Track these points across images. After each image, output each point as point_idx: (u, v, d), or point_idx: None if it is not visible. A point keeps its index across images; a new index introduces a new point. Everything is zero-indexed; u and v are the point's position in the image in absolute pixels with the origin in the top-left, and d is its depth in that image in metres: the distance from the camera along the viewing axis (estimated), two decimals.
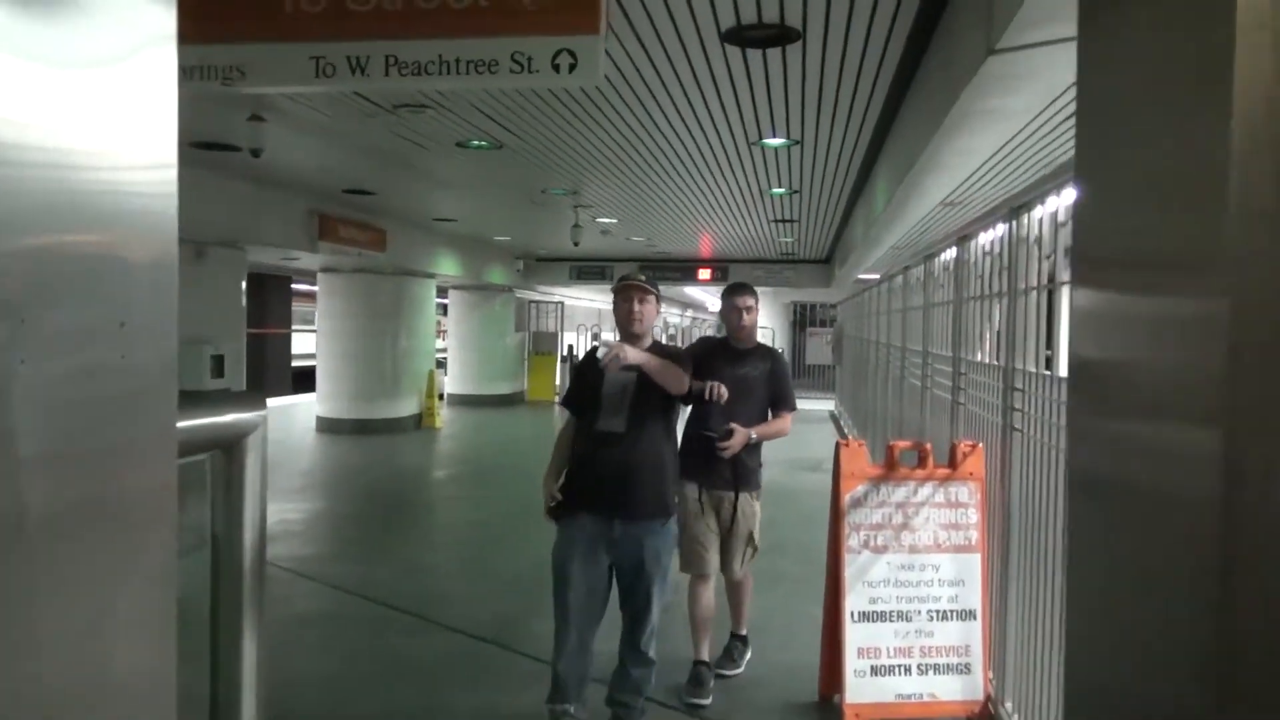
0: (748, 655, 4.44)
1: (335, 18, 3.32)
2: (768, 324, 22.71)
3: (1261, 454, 0.97)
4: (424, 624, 5.14)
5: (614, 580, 3.55)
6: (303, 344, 25.07)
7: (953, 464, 3.85)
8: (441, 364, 19.47)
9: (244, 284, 10.11)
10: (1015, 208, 3.60)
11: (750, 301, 4.28)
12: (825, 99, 5.66)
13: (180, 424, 1.53)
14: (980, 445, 3.87)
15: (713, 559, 4.14)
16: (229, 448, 2.15)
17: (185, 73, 3.47)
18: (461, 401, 18.59)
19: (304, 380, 21.78)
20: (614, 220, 12.15)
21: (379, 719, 4.01)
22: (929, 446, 3.87)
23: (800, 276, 17.71)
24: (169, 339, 1.27)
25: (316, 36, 3.35)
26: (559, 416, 17.55)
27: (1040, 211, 3.46)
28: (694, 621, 4.19)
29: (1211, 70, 1.02)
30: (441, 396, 17.47)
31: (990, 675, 3.80)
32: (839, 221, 11.77)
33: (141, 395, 1.18)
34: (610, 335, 29.19)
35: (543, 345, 20.69)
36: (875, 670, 3.76)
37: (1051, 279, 3.33)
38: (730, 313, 4.28)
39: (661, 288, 3.78)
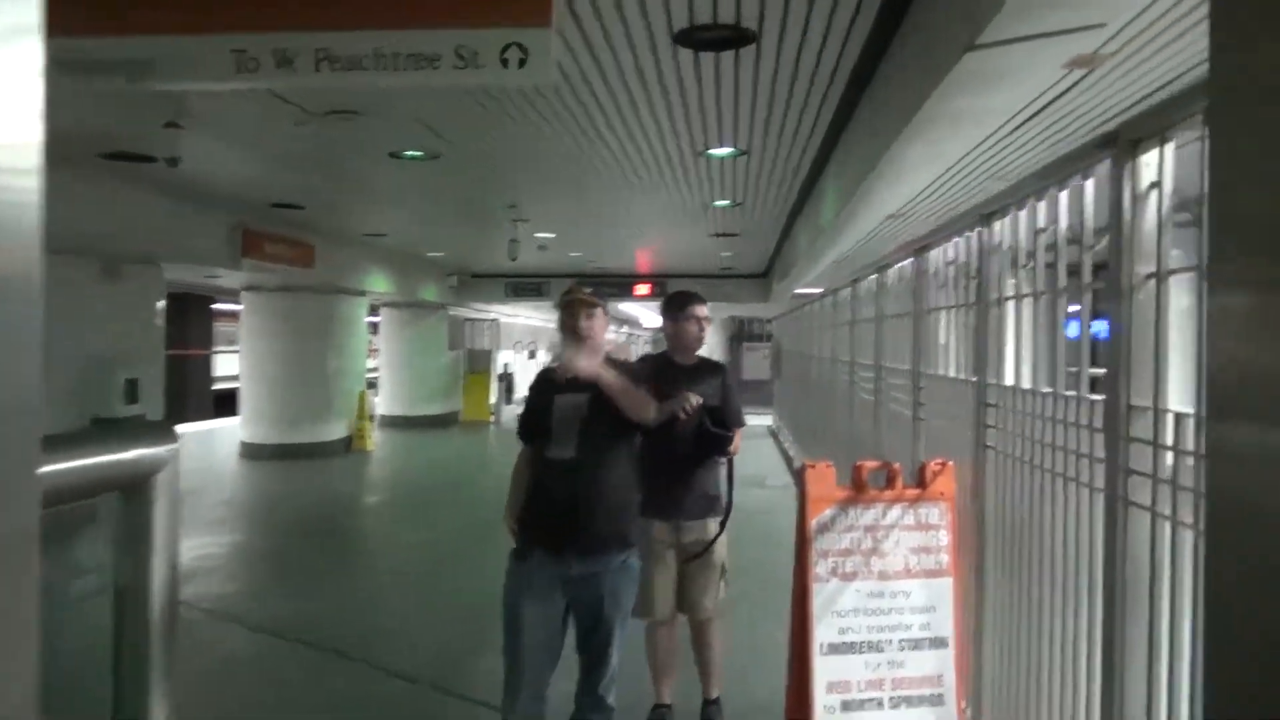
0: None
1: (258, 7, 3.03)
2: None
3: None
4: (361, 666, 4.78)
5: (570, 621, 3.27)
6: (226, 366, 24.18)
7: (922, 484, 3.68)
8: (373, 384, 18.91)
9: (162, 303, 9.58)
10: (985, 215, 3.45)
11: (706, 311, 4.03)
12: (776, 105, 5.50)
13: (74, 462, 1.45)
14: (950, 464, 3.70)
15: (672, 601, 3.89)
16: (133, 488, 1.84)
17: (88, 68, 3.13)
18: (394, 423, 18.05)
19: (227, 404, 20.98)
20: (553, 235, 11.89)
21: None
22: (898, 467, 3.68)
23: (739, 291, 17.65)
24: (30, 365, 0.97)
25: (237, 28, 3.04)
26: (494, 439, 17.22)
27: (1010, 219, 3.32)
28: (655, 668, 3.93)
29: None
30: (373, 418, 16.94)
31: (965, 705, 3.62)
32: (780, 235, 11.69)
33: None
34: (545, 353, 28.79)
35: (478, 364, 20.27)
36: (846, 705, 3.54)
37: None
38: (685, 323, 3.98)
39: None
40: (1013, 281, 3.35)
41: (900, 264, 5.14)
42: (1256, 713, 0.69)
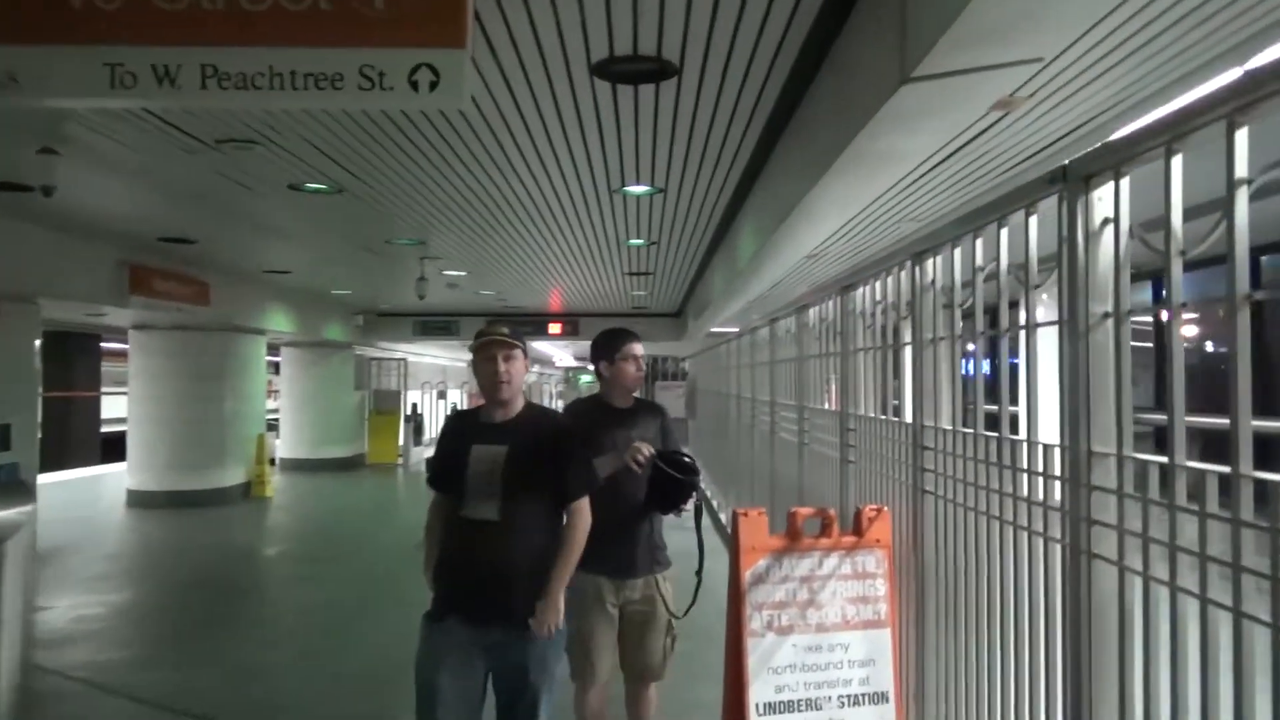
0: None
1: (137, 16, 2.73)
2: None
3: None
4: None
5: (489, 688, 2.99)
6: (116, 408, 22.90)
7: (858, 530, 3.53)
8: (274, 426, 18.11)
9: (38, 342, 8.90)
10: (917, 253, 3.35)
11: (642, 349, 3.81)
12: (695, 142, 5.39)
13: None
14: (886, 510, 3.56)
15: (610, 661, 3.63)
16: None
17: None
18: (296, 466, 17.30)
19: (117, 448, 19.85)
20: (463, 273, 11.58)
21: None
22: (833, 513, 3.53)
23: (652, 330, 17.55)
24: None
25: (111, 38, 2.73)
26: (402, 482, 16.59)
27: (942, 257, 3.23)
28: None
29: None
30: (273, 462, 16.18)
31: None
32: (695, 273, 11.63)
33: None
34: (460, 395, 27.94)
35: (385, 404, 19.63)
36: None
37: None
38: (623, 364, 3.71)
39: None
40: (944, 320, 3.26)
41: (823, 303, 5.04)
42: None
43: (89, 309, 10.29)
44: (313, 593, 7.58)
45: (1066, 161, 2.20)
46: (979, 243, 2.85)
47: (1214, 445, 1.85)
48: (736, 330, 10.81)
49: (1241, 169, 1.63)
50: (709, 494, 11.22)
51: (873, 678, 3.43)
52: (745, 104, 4.65)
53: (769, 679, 3.36)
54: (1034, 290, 2.48)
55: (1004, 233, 2.66)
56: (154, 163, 5.95)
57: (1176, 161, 1.83)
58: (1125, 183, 2.03)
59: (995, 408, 2.81)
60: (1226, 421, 1.60)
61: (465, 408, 3.69)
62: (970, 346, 3.06)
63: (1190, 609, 1.75)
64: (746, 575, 3.38)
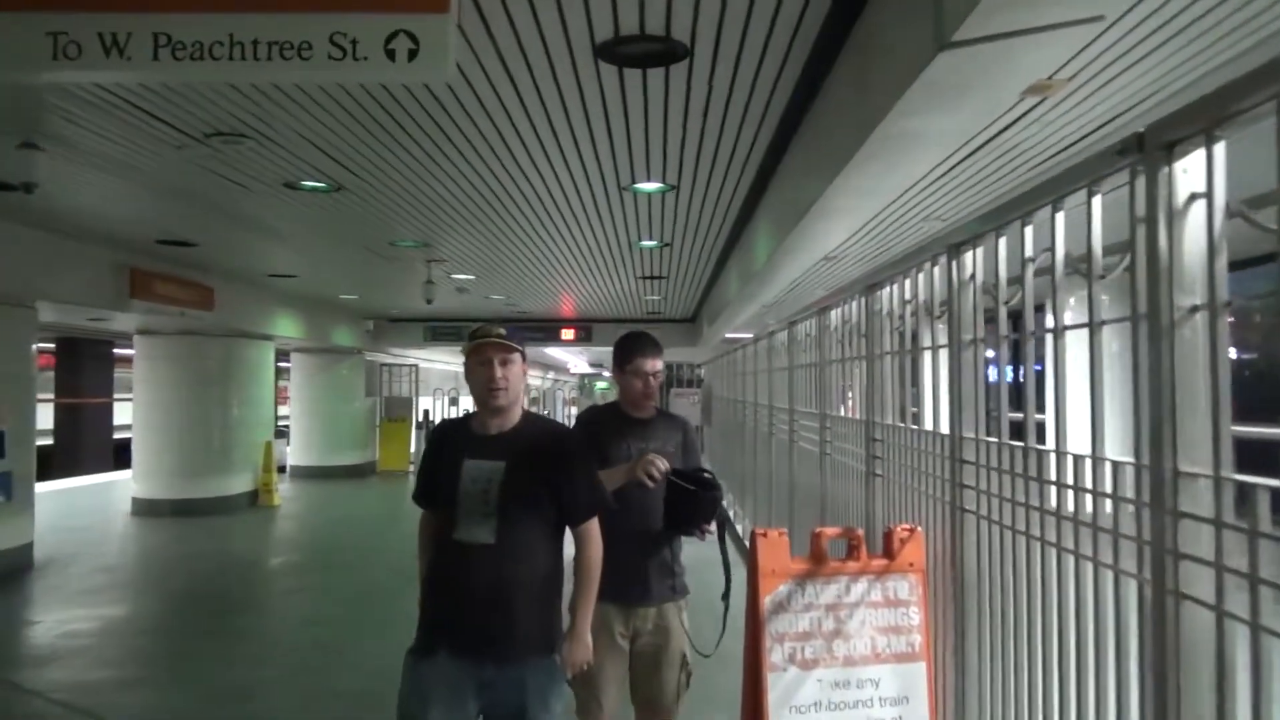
0: None
1: None
2: None
3: None
4: None
5: None
6: (128, 414, 22.79)
7: (889, 553, 3.19)
8: (284, 433, 17.89)
9: (33, 348, 8.67)
10: (954, 245, 3.02)
11: (659, 364, 3.38)
12: (708, 133, 5.07)
13: None
14: (919, 530, 3.23)
15: (618, 695, 3.29)
16: None
17: None
18: (306, 474, 17.06)
19: (129, 454, 19.70)
20: (471, 277, 11.30)
21: None
22: (860, 534, 3.20)
23: (667, 336, 17.14)
24: None
25: (55, 5, 2.44)
26: (411, 491, 16.06)
27: (983, 249, 2.90)
28: None
29: None
30: (283, 469, 15.95)
31: None
32: (709, 277, 11.31)
33: None
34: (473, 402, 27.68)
35: (395, 411, 19.38)
36: None
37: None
38: (634, 378, 3.37)
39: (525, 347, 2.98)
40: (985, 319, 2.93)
41: (845, 304, 4.71)
42: None
43: (90, 313, 10.07)
44: (311, 606, 7.29)
45: (1142, 129, 1.87)
46: (1029, 230, 2.52)
47: None
48: (751, 336, 10.49)
49: None
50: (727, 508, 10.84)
51: (906, 717, 3.10)
52: (761, 89, 4.32)
53: (791, 718, 3.03)
54: (1097, 282, 2.15)
55: (1059, 217, 2.34)
56: (143, 159, 5.68)
57: None
58: (1220, 149, 1.70)
59: (1029, 416, 2.49)
60: None
61: (454, 416, 3.30)
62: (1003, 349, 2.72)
63: None
64: (766, 602, 3.05)
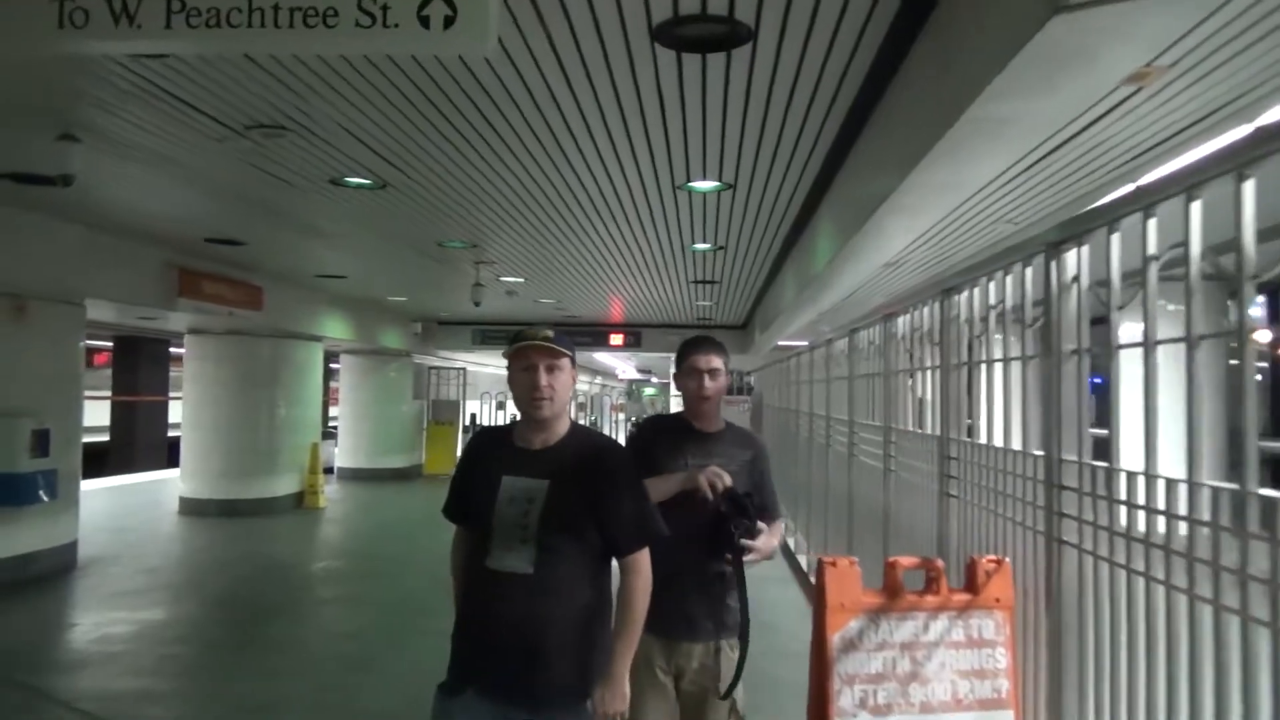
0: None
1: None
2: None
3: None
4: None
5: None
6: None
7: (972, 586, 2.85)
8: (333, 434, 17.89)
9: (81, 345, 8.63)
10: (1053, 244, 2.68)
11: (716, 361, 3.00)
12: (770, 125, 4.76)
13: None
14: (1006, 562, 2.88)
15: None
16: None
17: None
18: (353, 476, 17.03)
19: None
20: (520, 280, 11.10)
21: None
22: (940, 565, 2.86)
23: None
24: None
25: None
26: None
27: (1089, 247, 2.56)
28: None
29: None
30: (330, 470, 15.91)
31: None
32: (763, 282, 10.97)
33: None
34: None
35: (443, 414, 19.29)
36: None
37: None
38: (688, 378, 3.01)
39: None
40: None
41: (916, 310, 4.37)
42: None
43: (139, 312, 10.04)
44: (347, 617, 7.09)
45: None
46: (1152, 224, 2.18)
47: None
48: (804, 344, 10.12)
49: None
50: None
51: None
52: (831, 74, 4.00)
53: None
54: (1249, 282, 1.80)
55: (1195, 207, 2.00)
56: (183, 153, 5.54)
57: None
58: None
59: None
60: None
61: (494, 424, 2.90)
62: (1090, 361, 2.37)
63: None
64: (834, 640, 2.73)
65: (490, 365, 25.25)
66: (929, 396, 4.25)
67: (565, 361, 2.47)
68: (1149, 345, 2.19)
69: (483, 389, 23.72)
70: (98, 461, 22.11)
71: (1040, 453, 2.77)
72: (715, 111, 4.55)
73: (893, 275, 9.26)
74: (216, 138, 5.13)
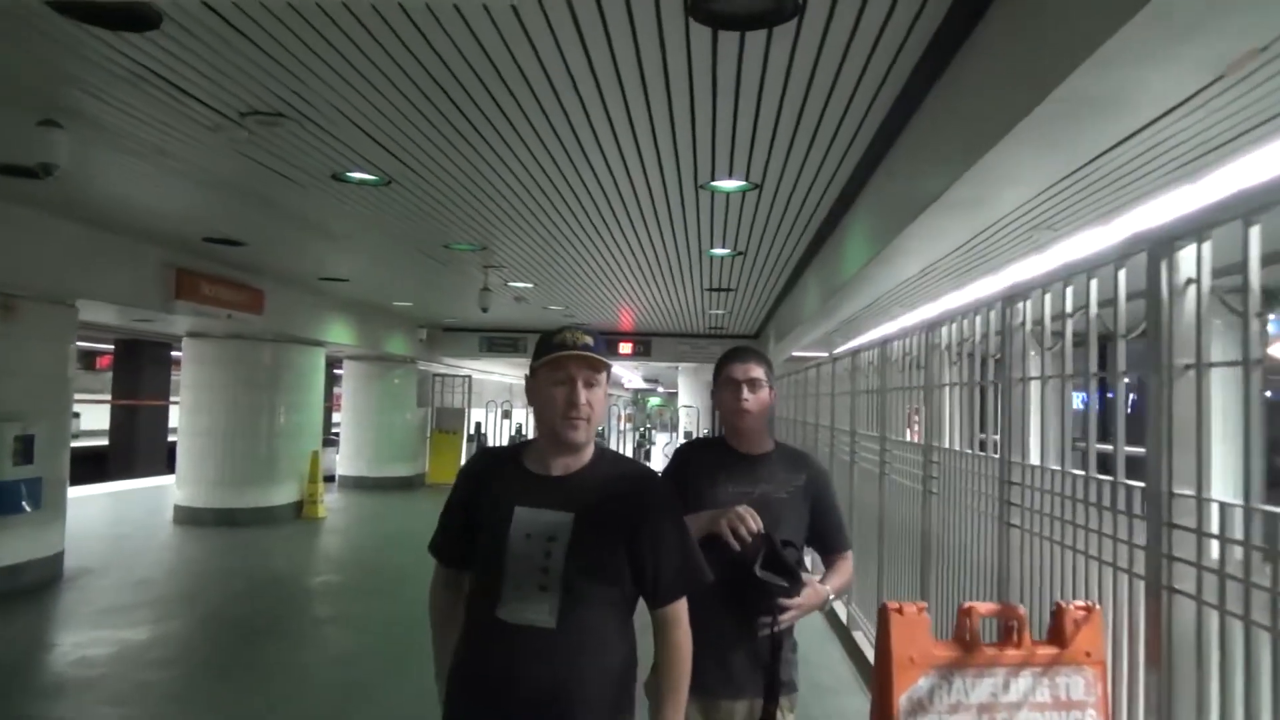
0: None
1: None
2: (691, 402, 21.45)
3: None
4: None
5: None
6: None
7: (1058, 638, 2.45)
8: (335, 441, 17.52)
9: (72, 347, 8.28)
10: (1161, 241, 2.30)
11: (756, 370, 2.60)
12: (808, 115, 4.38)
13: None
14: (1098, 609, 2.48)
15: None
16: None
17: None
18: (355, 484, 16.65)
19: None
20: (529, 285, 10.74)
21: None
22: (1022, 613, 2.46)
23: None
24: None
25: None
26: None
27: (1210, 245, 2.18)
28: None
29: None
30: (331, 479, 15.53)
31: None
32: (781, 290, 10.59)
33: None
34: (527, 416, 26.73)
35: (447, 423, 18.91)
36: None
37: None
38: (724, 390, 2.62)
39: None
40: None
41: (967, 317, 3.98)
42: None
43: (134, 314, 9.69)
44: (346, 638, 6.70)
45: None
46: (1254, 232, 1.80)
47: None
48: (823, 355, 9.74)
49: None
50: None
51: None
52: (885, 49, 3.60)
53: None
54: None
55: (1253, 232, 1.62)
56: (178, 145, 5.19)
57: None
58: None
59: None
60: None
61: (499, 444, 2.37)
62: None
63: None
64: (901, 702, 2.33)
65: (496, 373, 24.91)
66: (978, 415, 3.85)
67: (604, 375, 2.06)
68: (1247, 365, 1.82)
69: (488, 397, 23.35)
70: (98, 467, 21.80)
71: (1141, 484, 2.38)
72: (749, 97, 4.18)
73: (917, 285, 8.88)
74: (210, 126, 4.78)
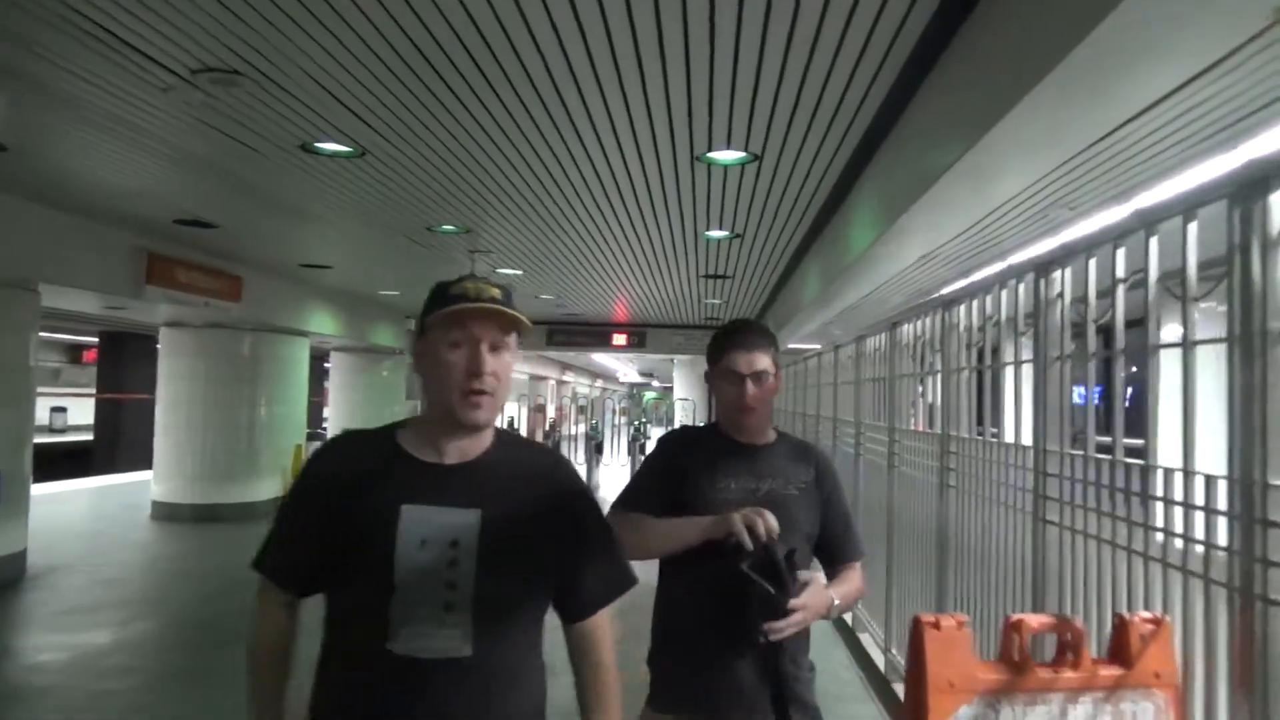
0: None
1: None
2: (686, 395, 21.10)
3: None
4: None
5: None
6: None
7: (1121, 655, 2.09)
8: (321, 436, 17.12)
9: (34, 335, 7.87)
10: (1246, 187, 1.93)
11: (762, 361, 2.19)
12: (814, 71, 3.99)
13: None
14: (1168, 621, 2.12)
15: None
16: None
17: None
18: None
19: None
20: (518, 272, 10.36)
21: None
22: (1080, 627, 2.10)
23: None
24: None
25: None
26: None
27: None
28: None
29: None
30: None
31: None
32: (780, 276, 10.23)
33: None
34: (519, 410, 26.27)
35: None
36: None
37: None
38: (725, 382, 2.22)
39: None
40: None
41: (991, 292, 3.62)
42: None
43: (103, 300, 9.29)
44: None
45: None
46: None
47: None
48: (816, 347, 9.39)
49: None
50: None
51: None
52: (896, 3, 3.24)
53: None
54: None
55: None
56: (134, 112, 4.80)
57: None
58: None
59: None
60: None
61: (358, 427, 1.67)
62: None
63: None
64: None
65: None
66: (1012, 400, 3.49)
67: (514, 337, 1.62)
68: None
69: None
70: (82, 461, 21.36)
71: (1223, 475, 2.02)
72: (749, 56, 3.80)
73: (922, 270, 8.52)
74: (162, 86, 4.38)
